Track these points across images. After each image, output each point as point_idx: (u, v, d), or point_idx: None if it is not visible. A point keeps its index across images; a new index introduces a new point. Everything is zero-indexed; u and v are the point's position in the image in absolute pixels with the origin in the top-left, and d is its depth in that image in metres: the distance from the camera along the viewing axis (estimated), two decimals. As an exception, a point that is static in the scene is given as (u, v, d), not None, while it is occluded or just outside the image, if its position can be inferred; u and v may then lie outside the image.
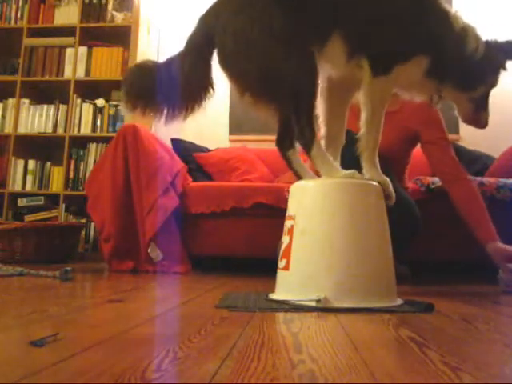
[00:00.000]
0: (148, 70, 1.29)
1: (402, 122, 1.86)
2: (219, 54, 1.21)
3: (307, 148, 1.20)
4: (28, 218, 3.02)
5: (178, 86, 1.23)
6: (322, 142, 1.34)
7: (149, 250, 2.10)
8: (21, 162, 3.22)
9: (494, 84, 1.37)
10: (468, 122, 1.42)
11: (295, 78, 1.16)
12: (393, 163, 1.79)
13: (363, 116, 1.24)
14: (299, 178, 1.29)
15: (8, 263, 1.99)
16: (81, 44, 3.27)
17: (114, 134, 2.62)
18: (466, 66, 1.28)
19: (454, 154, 1.78)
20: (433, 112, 1.85)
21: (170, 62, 1.28)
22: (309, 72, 1.18)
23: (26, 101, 3.27)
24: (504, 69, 1.35)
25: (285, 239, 1.20)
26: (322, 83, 1.35)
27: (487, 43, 1.31)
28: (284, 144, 1.31)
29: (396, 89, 1.33)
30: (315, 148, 1.19)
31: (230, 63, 1.21)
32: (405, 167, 2.03)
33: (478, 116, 1.38)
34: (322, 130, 1.35)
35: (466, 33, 1.28)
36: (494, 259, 1.61)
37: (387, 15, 1.22)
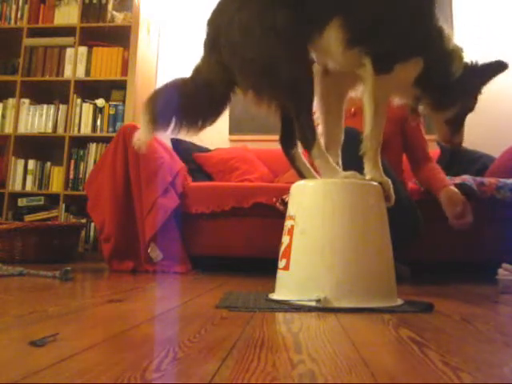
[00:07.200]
0: (172, 89, 1.28)
1: (394, 114, 1.88)
2: (225, 48, 1.22)
3: (308, 147, 1.21)
4: (28, 217, 3.02)
5: (198, 97, 1.24)
6: (322, 140, 1.34)
7: (149, 250, 2.10)
8: (21, 162, 3.22)
9: (469, 108, 1.36)
10: (443, 141, 1.44)
11: (293, 76, 1.17)
12: (391, 158, 1.81)
13: (367, 115, 1.24)
14: (302, 176, 1.30)
15: (8, 263, 1.99)
16: (81, 44, 3.27)
17: (113, 134, 2.62)
18: (444, 83, 1.28)
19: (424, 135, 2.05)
20: None
21: (195, 71, 1.28)
22: (306, 71, 1.19)
23: (26, 101, 3.27)
24: (480, 93, 1.34)
25: (285, 239, 1.20)
26: (316, 79, 1.35)
27: (465, 65, 1.29)
28: (287, 142, 1.32)
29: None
30: (316, 148, 1.20)
31: (235, 55, 1.21)
32: (401, 159, 2.10)
33: (451, 137, 1.40)
34: (319, 126, 1.35)
35: (454, 53, 1.27)
36: (443, 205, 1.81)
37: (391, 13, 1.22)
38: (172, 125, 1.27)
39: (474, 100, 1.35)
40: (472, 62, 1.30)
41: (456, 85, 1.28)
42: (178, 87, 1.27)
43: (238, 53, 1.20)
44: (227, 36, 1.20)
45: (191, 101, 1.24)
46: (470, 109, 1.37)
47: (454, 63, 1.27)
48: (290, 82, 1.18)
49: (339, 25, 1.19)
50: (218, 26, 1.23)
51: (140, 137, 1.25)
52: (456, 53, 1.28)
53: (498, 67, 1.30)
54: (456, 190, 1.84)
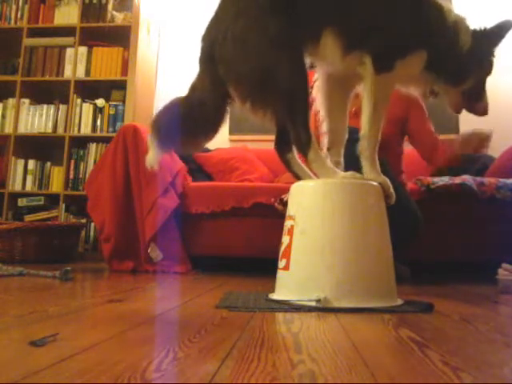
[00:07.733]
0: (172, 109, 1.29)
1: (393, 115, 1.88)
2: (220, 61, 1.21)
3: (304, 152, 1.20)
4: (28, 217, 3.02)
5: (197, 116, 1.25)
6: (325, 138, 1.34)
7: (149, 250, 2.10)
8: (21, 162, 3.22)
9: (487, 72, 1.34)
10: (459, 111, 1.40)
11: (290, 81, 1.17)
12: (390, 158, 1.81)
13: (365, 114, 1.23)
14: (299, 180, 1.29)
15: (8, 263, 1.99)
16: (81, 44, 3.27)
17: (113, 134, 2.62)
18: (456, 59, 1.27)
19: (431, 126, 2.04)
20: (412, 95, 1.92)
21: (191, 89, 1.28)
22: (302, 75, 1.18)
23: (26, 101, 3.27)
24: (493, 56, 1.33)
25: (285, 239, 1.20)
26: (320, 78, 1.35)
27: (474, 33, 1.28)
28: (283, 147, 1.31)
29: (396, 84, 1.33)
30: (312, 151, 1.19)
31: (231, 68, 1.20)
32: (401, 159, 2.10)
33: (474, 106, 1.37)
34: (323, 124, 1.35)
35: (457, 26, 1.26)
36: (461, 148, 1.85)
37: (387, 9, 1.22)
38: (178, 144, 1.30)
39: (490, 63, 1.33)
40: (480, 28, 1.29)
41: (467, 57, 1.26)
42: (176, 108, 1.28)
43: (233, 65, 1.19)
44: (222, 50, 1.20)
45: (188, 122, 1.25)
46: (488, 73, 1.35)
47: (461, 37, 1.25)
48: (286, 88, 1.17)
49: (334, 33, 1.19)
50: (212, 39, 1.22)
51: (151, 161, 1.27)
52: (460, 24, 1.27)
53: (506, 25, 1.29)
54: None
